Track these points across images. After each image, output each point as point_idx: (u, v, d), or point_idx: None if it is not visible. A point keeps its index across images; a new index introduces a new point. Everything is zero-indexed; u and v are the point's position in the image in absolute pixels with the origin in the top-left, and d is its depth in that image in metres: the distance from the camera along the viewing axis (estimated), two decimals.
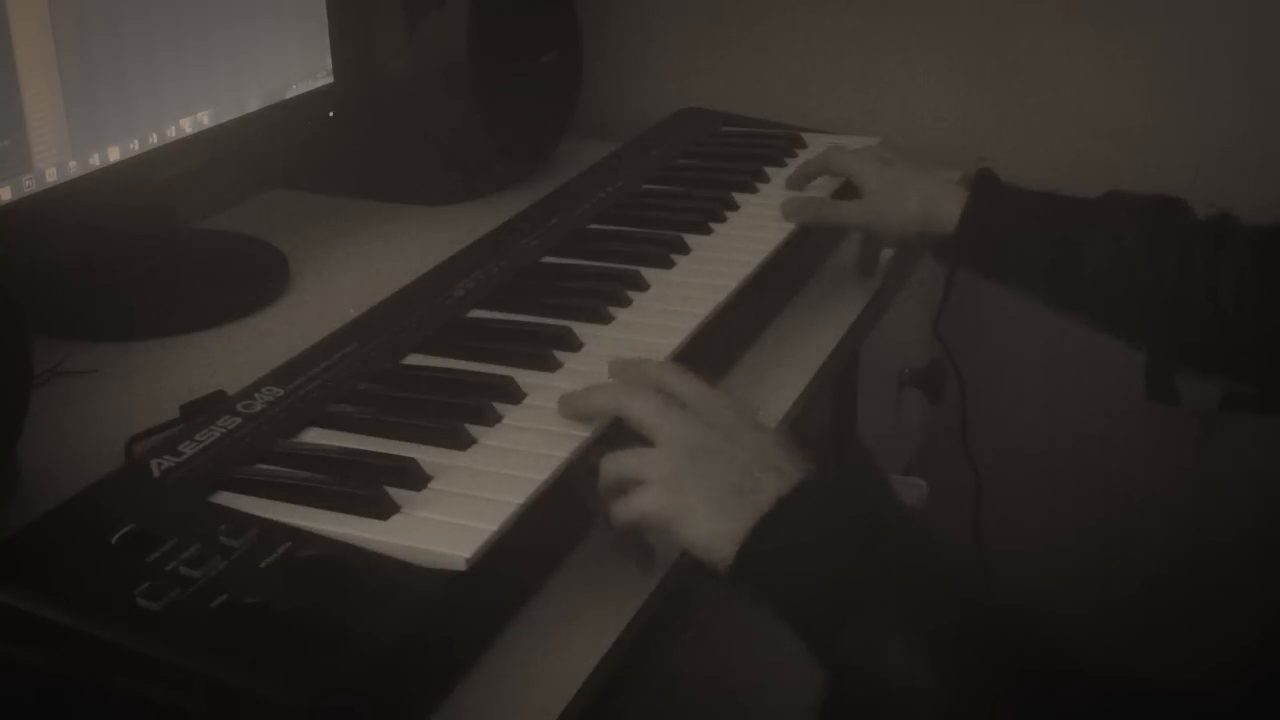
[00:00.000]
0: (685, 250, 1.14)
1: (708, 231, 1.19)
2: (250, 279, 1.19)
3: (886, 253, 1.24)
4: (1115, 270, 1.04)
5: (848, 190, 1.21)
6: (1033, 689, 0.66)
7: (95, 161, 1.05)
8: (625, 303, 1.04)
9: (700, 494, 0.74)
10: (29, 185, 0.99)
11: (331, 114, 1.30)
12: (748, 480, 0.74)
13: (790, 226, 1.19)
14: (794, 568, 0.71)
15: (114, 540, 0.70)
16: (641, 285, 1.07)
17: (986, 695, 0.66)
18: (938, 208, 1.09)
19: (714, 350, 1.01)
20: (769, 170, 1.34)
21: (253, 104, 1.20)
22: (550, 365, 0.93)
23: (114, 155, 1.06)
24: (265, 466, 0.79)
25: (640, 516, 0.76)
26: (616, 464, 0.78)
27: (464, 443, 0.82)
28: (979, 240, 1.09)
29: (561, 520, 0.80)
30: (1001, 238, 1.08)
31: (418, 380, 0.92)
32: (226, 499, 0.76)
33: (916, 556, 0.72)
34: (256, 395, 0.87)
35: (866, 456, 0.79)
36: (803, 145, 1.43)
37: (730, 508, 0.73)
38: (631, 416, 0.79)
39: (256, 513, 0.74)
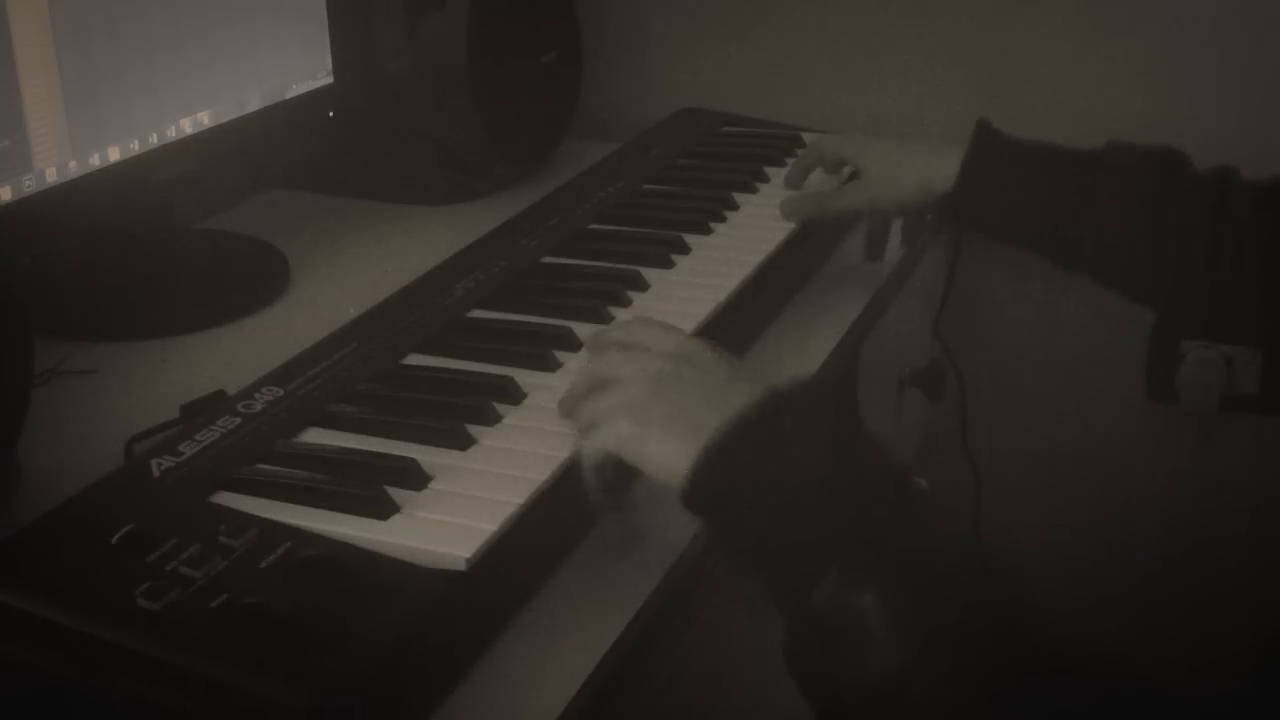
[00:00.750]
0: (685, 250, 1.14)
1: (708, 231, 1.19)
2: (250, 279, 1.19)
3: (894, 240, 1.23)
4: (1114, 237, 1.03)
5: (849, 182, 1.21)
6: (1031, 687, 0.66)
7: (95, 161, 1.05)
8: (625, 303, 1.04)
9: (661, 420, 0.74)
10: (29, 185, 0.99)
11: (331, 114, 1.30)
12: (708, 403, 0.73)
13: (790, 226, 1.19)
14: (749, 488, 0.70)
15: (114, 540, 0.70)
16: (641, 285, 1.07)
17: (985, 689, 0.66)
18: (936, 169, 1.08)
19: None
20: (769, 170, 1.34)
21: (253, 104, 1.20)
22: (550, 365, 0.93)
23: (114, 155, 1.06)
24: (265, 466, 0.79)
25: (606, 448, 0.75)
26: (584, 406, 0.78)
27: (464, 443, 0.82)
28: (979, 193, 1.07)
29: (561, 520, 0.80)
30: (1000, 196, 1.07)
31: (418, 380, 0.92)
32: (226, 499, 0.76)
33: (898, 507, 0.70)
34: (256, 395, 0.87)
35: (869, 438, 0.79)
36: (802, 145, 1.43)
37: (688, 431, 0.72)
38: (602, 374, 0.79)
39: (256, 513, 0.74)
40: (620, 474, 0.77)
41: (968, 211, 1.09)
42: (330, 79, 1.29)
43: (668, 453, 0.73)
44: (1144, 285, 1.06)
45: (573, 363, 0.94)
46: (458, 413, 0.85)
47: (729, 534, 0.72)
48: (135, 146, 1.08)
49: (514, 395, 0.88)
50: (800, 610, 0.67)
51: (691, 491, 0.71)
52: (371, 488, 0.76)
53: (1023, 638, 0.68)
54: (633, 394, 0.76)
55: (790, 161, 1.36)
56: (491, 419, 0.85)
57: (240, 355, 1.04)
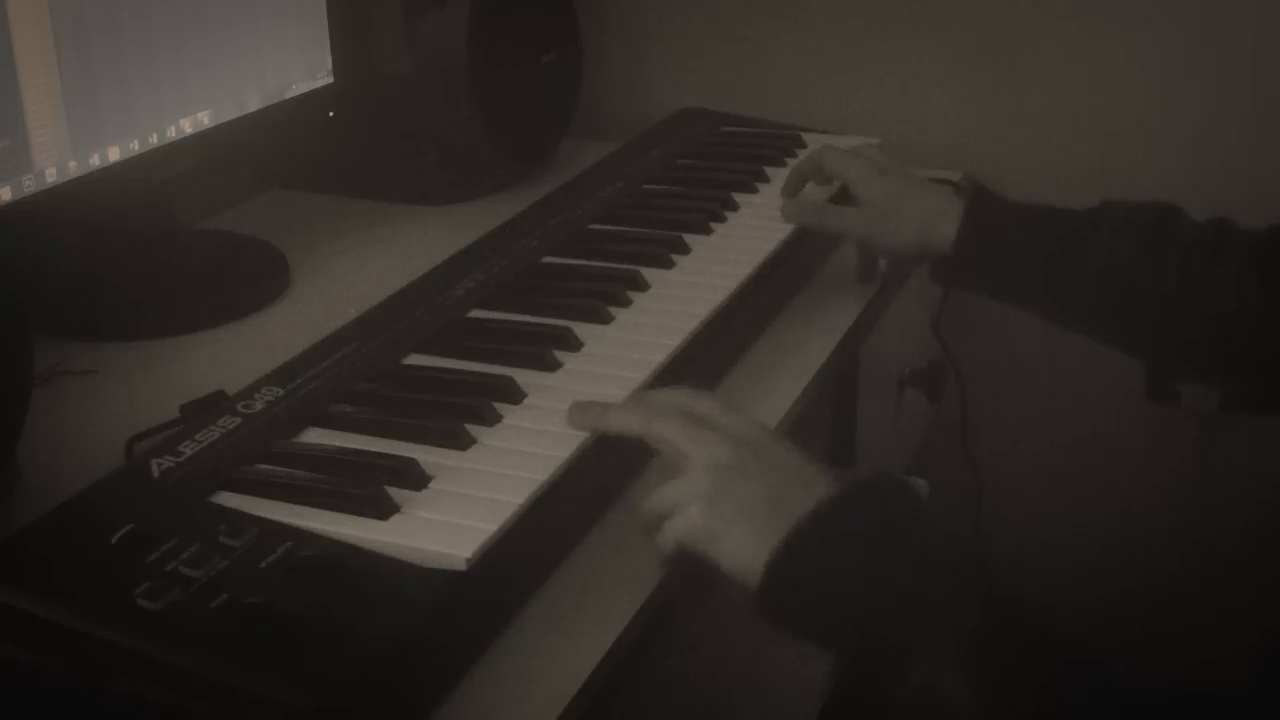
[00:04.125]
0: (685, 250, 1.14)
1: (708, 231, 1.19)
2: (250, 279, 1.19)
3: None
4: (1115, 277, 1.03)
5: (845, 193, 1.20)
6: (1042, 685, 0.66)
7: (95, 161, 1.05)
8: (625, 303, 1.04)
9: (732, 512, 0.74)
10: (29, 185, 0.99)
11: (331, 114, 1.30)
12: (776, 497, 0.74)
13: (790, 227, 1.19)
14: (821, 588, 0.71)
15: (114, 540, 0.70)
16: (641, 285, 1.07)
17: (1015, 702, 0.66)
18: (937, 229, 1.08)
19: (714, 350, 1.01)
20: (769, 170, 1.34)
21: (253, 104, 1.20)
22: (550, 365, 0.93)
23: (114, 155, 1.06)
24: (265, 466, 0.79)
25: (678, 541, 0.76)
26: (657, 499, 0.78)
27: (464, 443, 0.82)
28: (977, 263, 1.08)
29: (561, 520, 0.80)
30: (999, 259, 1.08)
31: (418, 380, 0.92)
32: (226, 499, 0.76)
33: (952, 570, 0.71)
34: (256, 395, 0.87)
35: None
36: (803, 145, 1.43)
37: (761, 525, 0.73)
38: (661, 439, 0.79)
39: (256, 513, 0.74)
40: (696, 559, 0.78)
41: (964, 274, 1.10)
42: (330, 79, 1.29)
43: (741, 547, 0.74)
44: (1140, 341, 1.07)
45: (572, 363, 0.94)
46: (458, 413, 0.85)
47: (809, 630, 0.73)
48: (135, 146, 1.08)
49: (514, 395, 0.88)
50: (885, 702, 0.68)
51: (767, 589, 0.72)
52: (371, 488, 0.76)
53: (1045, 640, 0.68)
54: (704, 486, 0.76)
55: (790, 162, 1.36)
56: (491, 419, 0.85)
57: (240, 355, 1.04)
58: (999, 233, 1.08)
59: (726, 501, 0.75)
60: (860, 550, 0.71)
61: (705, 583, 0.79)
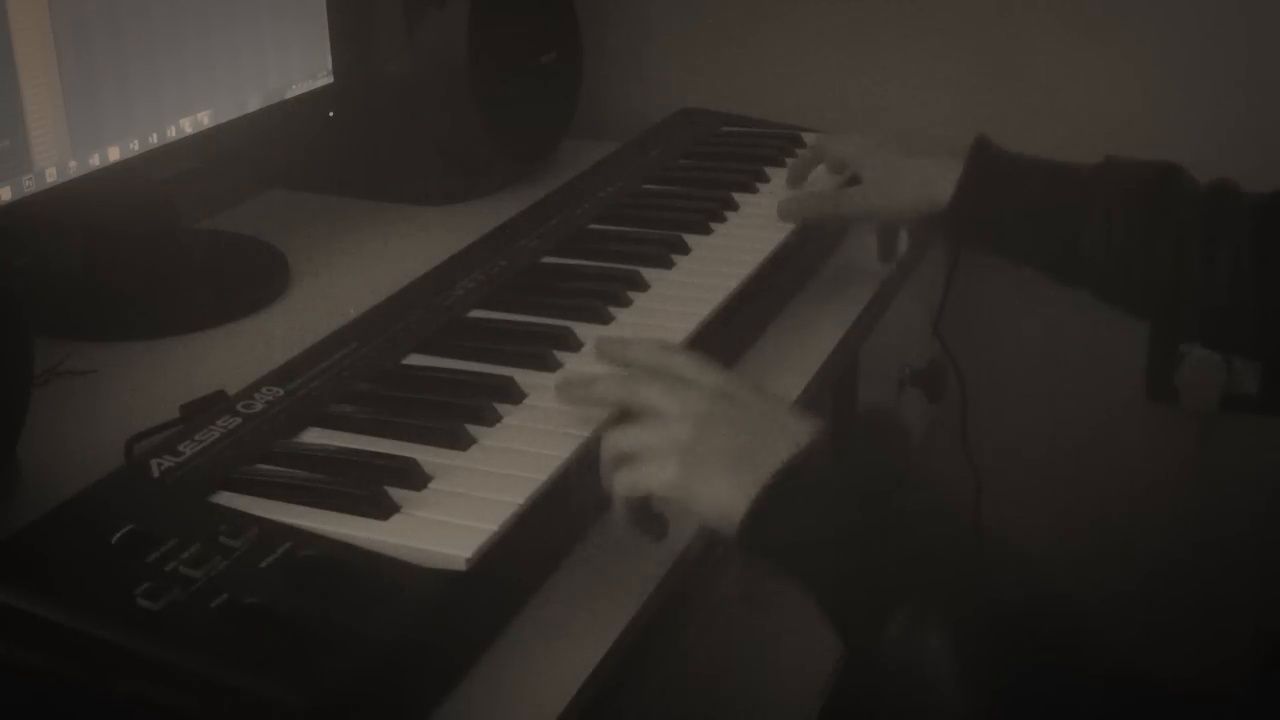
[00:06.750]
0: (685, 250, 1.14)
1: (708, 231, 1.19)
2: (250, 279, 1.19)
3: (904, 237, 1.24)
4: (1111, 255, 1.03)
5: (849, 185, 1.20)
6: (1034, 685, 0.66)
7: (95, 161, 1.05)
8: (625, 303, 1.04)
9: (710, 462, 0.74)
10: (29, 185, 0.99)
11: (331, 114, 1.30)
12: (756, 444, 0.73)
13: (790, 226, 1.19)
14: (803, 532, 0.71)
15: (114, 540, 0.70)
16: (641, 285, 1.07)
17: (999, 679, 0.66)
18: (935, 182, 1.08)
19: (714, 350, 1.01)
20: (769, 170, 1.34)
21: (253, 104, 1.20)
22: (550, 365, 0.93)
23: (114, 155, 1.06)
24: (265, 466, 0.79)
25: (652, 489, 0.76)
26: (623, 438, 0.77)
27: (464, 443, 0.82)
28: (975, 216, 1.07)
29: (562, 520, 0.80)
30: (997, 213, 1.07)
31: (418, 380, 0.92)
32: (226, 499, 0.76)
33: (928, 527, 0.71)
34: (256, 395, 0.87)
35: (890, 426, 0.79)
36: (802, 145, 1.43)
37: (739, 473, 0.73)
38: (641, 402, 0.79)
39: (256, 513, 0.74)
40: (657, 511, 0.78)
41: (965, 227, 1.09)
42: (330, 79, 1.29)
43: (719, 494, 0.73)
44: (1142, 300, 1.06)
45: (572, 363, 0.94)
46: (458, 413, 0.85)
47: (791, 571, 0.73)
48: (135, 146, 1.08)
49: (514, 395, 0.88)
50: (866, 644, 0.68)
51: (751, 532, 0.72)
52: (371, 488, 0.76)
53: (1028, 636, 0.68)
54: (677, 434, 0.75)
55: (790, 161, 1.36)
56: (491, 419, 0.85)
57: (240, 355, 1.04)
58: (996, 190, 1.07)
59: (705, 453, 0.74)
60: (843, 492, 0.71)
61: (706, 581, 0.79)
